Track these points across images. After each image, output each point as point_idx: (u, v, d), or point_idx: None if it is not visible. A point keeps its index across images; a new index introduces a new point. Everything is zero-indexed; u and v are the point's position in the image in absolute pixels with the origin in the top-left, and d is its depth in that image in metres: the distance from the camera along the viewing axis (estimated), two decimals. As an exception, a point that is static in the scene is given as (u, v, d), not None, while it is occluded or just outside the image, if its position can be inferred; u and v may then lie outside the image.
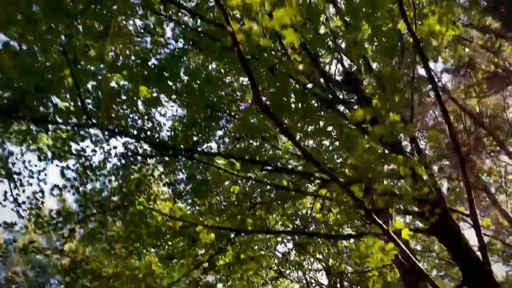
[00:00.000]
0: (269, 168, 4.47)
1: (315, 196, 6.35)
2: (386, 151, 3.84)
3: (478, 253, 5.22)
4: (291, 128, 3.22)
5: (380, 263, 3.64)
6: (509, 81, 10.78)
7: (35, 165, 6.58)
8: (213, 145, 8.79)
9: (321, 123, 3.36)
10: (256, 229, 6.27)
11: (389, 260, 3.53)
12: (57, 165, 6.63)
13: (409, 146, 7.71)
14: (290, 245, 12.09)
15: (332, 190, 3.15)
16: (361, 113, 2.85)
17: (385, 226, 3.33)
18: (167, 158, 7.05)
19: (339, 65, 9.37)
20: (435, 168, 11.19)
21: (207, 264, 11.81)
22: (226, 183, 8.57)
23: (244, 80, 8.77)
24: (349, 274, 12.93)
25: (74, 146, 6.99)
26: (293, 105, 2.98)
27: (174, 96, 7.91)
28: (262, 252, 10.35)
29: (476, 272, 5.13)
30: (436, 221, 4.83)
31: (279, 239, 11.79)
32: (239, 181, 9.07)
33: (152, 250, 9.57)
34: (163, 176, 8.21)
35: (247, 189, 8.86)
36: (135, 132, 7.87)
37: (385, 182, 3.87)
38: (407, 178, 4.13)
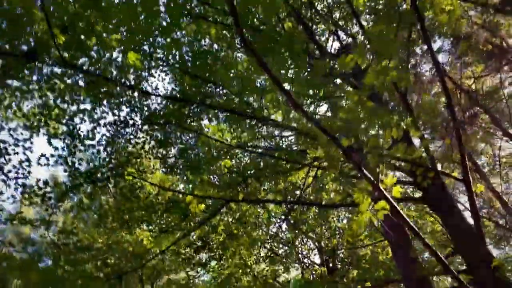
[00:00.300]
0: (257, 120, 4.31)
1: (309, 166, 6.26)
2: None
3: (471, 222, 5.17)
4: (279, 76, 3.08)
5: (368, 222, 3.54)
6: (507, 60, 10.65)
7: (21, 133, 6.41)
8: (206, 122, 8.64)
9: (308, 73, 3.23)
10: (248, 199, 6.18)
11: (379, 218, 3.43)
12: (44, 133, 6.48)
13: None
14: (283, 225, 12.08)
15: (321, 144, 3.02)
16: (349, 59, 2.71)
17: (374, 181, 3.23)
18: (156, 127, 6.89)
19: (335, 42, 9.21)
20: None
21: (200, 242, 11.79)
22: (219, 163, 8.44)
23: (239, 55, 8.56)
24: (341, 254, 12.96)
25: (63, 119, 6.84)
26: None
27: (165, 68, 7.72)
28: (254, 228, 10.30)
29: (468, 241, 5.08)
30: (429, 186, 4.75)
31: (272, 219, 11.74)
32: (233, 160, 8.92)
33: (144, 227, 9.49)
34: (154, 150, 8.04)
35: (240, 168, 8.75)
36: (127, 105, 7.71)
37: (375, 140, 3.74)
38: (398, 139, 4.02)
